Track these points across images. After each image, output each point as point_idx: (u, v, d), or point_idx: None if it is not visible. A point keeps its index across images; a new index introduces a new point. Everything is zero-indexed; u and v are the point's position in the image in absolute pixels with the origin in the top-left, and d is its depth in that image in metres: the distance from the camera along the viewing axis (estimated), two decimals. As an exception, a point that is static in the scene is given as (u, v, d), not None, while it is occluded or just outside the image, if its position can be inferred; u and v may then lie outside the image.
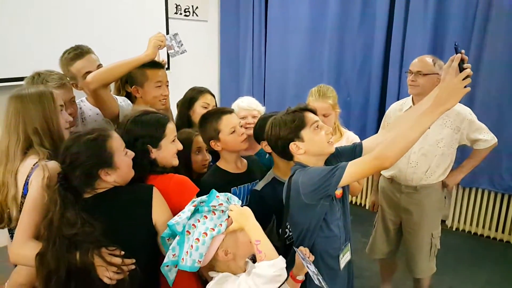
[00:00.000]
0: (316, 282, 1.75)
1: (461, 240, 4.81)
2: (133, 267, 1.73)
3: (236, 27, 6.35)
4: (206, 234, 1.64)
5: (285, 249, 2.17)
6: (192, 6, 6.00)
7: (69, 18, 4.41)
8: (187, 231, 1.66)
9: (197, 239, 1.63)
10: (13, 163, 1.93)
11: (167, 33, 5.39)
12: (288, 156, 2.10)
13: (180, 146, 2.16)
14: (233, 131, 2.42)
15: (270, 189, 2.37)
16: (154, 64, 2.73)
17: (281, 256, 1.63)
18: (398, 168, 3.12)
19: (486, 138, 2.94)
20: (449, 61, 1.81)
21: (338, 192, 2.04)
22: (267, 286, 1.57)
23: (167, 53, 2.84)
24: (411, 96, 3.09)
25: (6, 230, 2.06)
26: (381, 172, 3.32)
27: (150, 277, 1.89)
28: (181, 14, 5.86)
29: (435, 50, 4.42)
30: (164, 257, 1.78)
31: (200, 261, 1.63)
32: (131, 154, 1.91)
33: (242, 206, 1.76)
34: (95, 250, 1.68)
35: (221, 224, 1.68)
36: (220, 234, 1.67)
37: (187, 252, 1.63)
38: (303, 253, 1.84)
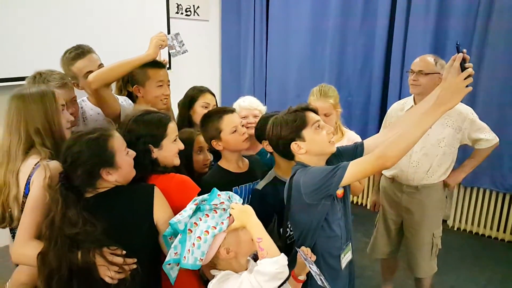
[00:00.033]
0: (319, 282, 1.75)
1: (463, 239, 4.80)
2: (134, 266, 1.73)
3: (237, 26, 6.35)
4: (208, 232, 1.64)
5: (286, 248, 2.17)
6: (193, 5, 6.00)
7: (71, 18, 4.40)
8: (189, 229, 1.67)
9: (199, 237, 1.64)
10: (15, 163, 1.93)
11: (168, 32, 5.39)
12: (289, 155, 2.09)
13: (181, 146, 2.16)
14: (235, 131, 2.42)
15: (271, 188, 2.37)
16: (155, 64, 2.73)
17: (283, 253, 1.63)
18: (400, 167, 3.11)
19: (488, 137, 2.94)
20: (450, 61, 1.81)
21: (339, 191, 2.04)
22: (270, 284, 1.57)
23: (169, 52, 2.84)
24: (412, 95, 3.09)
25: (7, 230, 2.06)
26: (383, 172, 3.32)
27: (152, 277, 1.89)
28: (182, 13, 5.86)
29: (437, 50, 4.42)
30: (165, 256, 1.78)
31: (202, 259, 1.64)
32: (133, 153, 1.91)
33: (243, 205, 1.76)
34: (97, 250, 1.68)
35: (222, 222, 1.68)
36: (221, 232, 1.67)
37: (189, 250, 1.64)
38: (305, 253, 1.84)
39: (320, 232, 2.03)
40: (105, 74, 2.52)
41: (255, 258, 1.70)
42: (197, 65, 5.81)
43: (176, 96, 2.99)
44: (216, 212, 1.71)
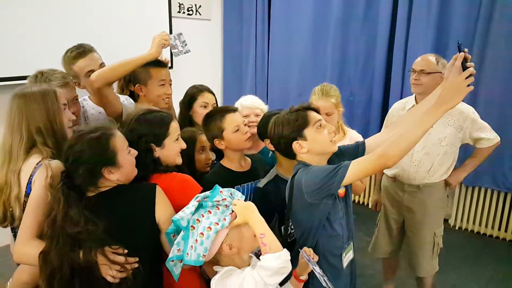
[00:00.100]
0: (323, 283, 1.75)
1: (464, 239, 4.80)
2: (136, 265, 1.74)
3: (239, 25, 6.36)
4: (210, 229, 1.65)
5: (287, 247, 2.17)
6: (195, 5, 6.01)
7: (72, 18, 4.41)
8: (192, 226, 1.67)
9: (202, 233, 1.64)
10: (16, 163, 1.93)
11: (170, 32, 5.40)
12: (291, 155, 2.09)
13: (183, 145, 2.16)
14: (237, 130, 2.42)
15: (272, 186, 2.37)
16: (157, 63, 2.73)
17: (285, 248, 1.64)
18: (401, 167, 3.11)
19: (489, 137, 2.94)
20: (452, 60, 1.81)
21: (341, 191, 2.04)
22: (272, 278, 1.58)
23: (171, 52, 2.84)
24: (414, 95, 3.08)
25: (9, 229, 2.07)
26: (384, 171, 3.32)
27: (153, 276, 1.90)
28: (184, 13, 5.87)
29: (438, 49, 4.41)
30: (167, 255, 1.79)
31: (204, 255, 1.65)
32: (134, 152, 1.92)
33: None
34: (99, 249, 1.68)
35: (225, 219, 1.69)
36: (224, 228, 1.68)
37: (191, 246, 1.64)
38: (307, 254, 1.84)
39: (321, 231, 2.03)
40: (107, 73, 2.53)
41: (258, 255, 1.70)
42: (199, 65, 5.82)
43: (178, 96, 2.99)
44: (219, 209, 1.72)
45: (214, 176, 2.43)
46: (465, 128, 2.93)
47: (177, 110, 3.08)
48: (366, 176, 2.05)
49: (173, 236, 1.77)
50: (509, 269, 4.19)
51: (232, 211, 1.72)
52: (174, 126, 2.13)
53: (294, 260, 1.81)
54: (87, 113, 2.78)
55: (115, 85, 2.79)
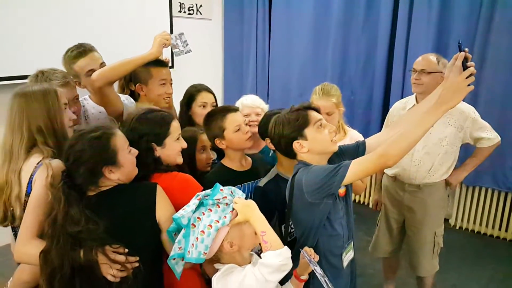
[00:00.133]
0: (324, 285, 1.75)
1: (465, 238, 4.80)
2: (136, 264, 1.74)
3: (240, 25, 6.36)
4: (211, 226, 1.66)
5: (287, 246, 2.17)
6: (196, 4, 6.01)
7: (73, 17, 4.41)
8: (192, 224, 1.68)
9: (202, 231, 1.65)
10: (17, 162, 1.93)
11: (171, 31, 5.41)
12: (291, 154, 2.09)
13: (184, 144, 2.16)
14: (238, 129, 2.42)
15: (273, 185, 2.37)
16: (158, 63, 2.74)
17: (286, 246, 1.65)
18: (402, 166, 3.11)
19: (490, 136, 2.94)
20: (452, 59, 1.81)
21: (341, 190, 2.04)
22: (273, 275, 1.59)
23: (171, 51, 2.84)
24: (414, 94, 3.08)
25: (9, 228, 2.07)
26: (385, 171, 3.32)
27: (154, 275, 1.90)
28: (185, 12, 5.87)
29: (439, 49, 4.41)
30: (167, 255, 1.79)
31: (205, 253, 1.65)
32: (135, 152, 1.92)
33: None
34: (99, 248, 1.68)
35: (225, 216, 1.70)
36: (225, 226, 1.69)
37: (192, 244, 1.65)
38: (308, 254, 1.85)
39: (322, 231, 2.03)
40: (108, 73, 2.53)
41: (259, 254, 1.71)
42: (199, 64, 5.81)
43: (178, 95, 2.99)
44: (219, 207, 1.73)
45: (215, 175, 2.43)
46: (465, 127, 2.93)
47: (177, 109, 3.08)
48: (366, 175, 2.05)
49: (174, 235, 1.77)
50: (510, 269, 4.19)
51: (233, 209, 1.73)
52: (175, 126, 2.13)
53: (295, 260, 1.82)
54: (87, 113, 2.78)
55: (115, 85, 2.79)
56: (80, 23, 4.42)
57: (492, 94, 4.27)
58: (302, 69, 5.69)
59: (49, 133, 1.95)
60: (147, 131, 2.04)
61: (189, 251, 1.65)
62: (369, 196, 5.58)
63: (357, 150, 2.15)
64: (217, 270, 1.73)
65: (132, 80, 2.85)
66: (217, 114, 2.49)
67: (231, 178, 2.41)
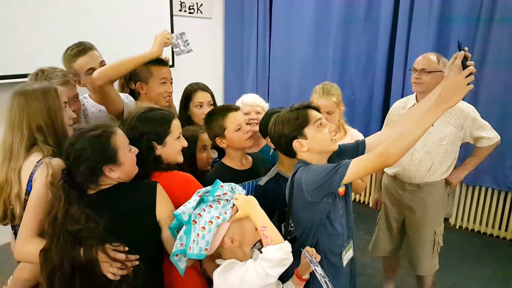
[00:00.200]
0: (324, 286, 1.76)
1: (464, 238, 4.80)
2: (136, 263, 1.74)
3: (241, 24, 6.36)
4: (212, 223, 1.67)
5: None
6: (197, 3, 6.01)
7: (73, 16, 4.42)
8: (193, 220, 1.70)
9: (203, 227, 1.66)
10: (17, 161, 1.93)
11: (172, 30, 5.41)
12: (291, 153, 2.10)
13: (185, 143, 2.17)
14: (239, 129, 2.42)
15: (273, 184, 2.38)
16: (158, 61, 2.74)
17: (286, 240, 1.65)
18: (402, 165, 3.12)
19: (489, 135, 2.94)
20: (452, 59, 1.81)
21: (341, 189, 2.04)
22: (274, 270, 1.60)
23: (172, 50, 2.85)
24: (414, 93, 3.09)
25: (9, 227, 2.07)
26: (385, 170, 3.32)
27: (154, 273, 1.90)
28: (185, 11, 5.87)
29: (440, 48, 4.41)
30: (168, 253, 1.80)
31: (206, 249, 1.66)
32: (135, 150, 1.92)
33: None
34: (99, 246, 1.69)
35: (226, 212, 1.71)
36: (225, 222, 1.70)
37: (193, 240, 1.66)
38: (309, 254, 1.85)
39: (322, 229, 2.03)
40: (109, 71, 2.53)
41: (259, 250, 1.72)
42: (200, 63, 5.82)
43: (179, 94, 2.99)
44: (220, 203, 1.74)
45: (215, 174, 2.43)
46: (465, 127, 2.93)
47: (178, 108, 3.08)
48: (366, 174, 2.05)
49: (177, 231, 1.78)
50: (510, 268, 4.19)
51: (233, 205, 1.74)
52: (176, 124, 2.13)
53: (295, 259, 1.82)
54: (87, 111, 2.78)
55: (116, 84, 2.79)
56: (80, 22, 4.42)
57: (492, 94, 4.27)
58: (303, 68, 5.69)
59: (49, 132, 1.95)
60: (147, 129, 2.04)
61: (190, 247, 1.67)
62: (369, 195, 5.57)
63: (357, 149, 2.15)
64: (217, 267, 1.74)
65: (132, 79, 2.85)
66: (218, 113, 2.49)
67: (232, 177, 2.40)
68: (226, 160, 2.52)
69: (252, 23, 6.21)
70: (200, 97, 2.93)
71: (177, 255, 1.75)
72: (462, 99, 1.82)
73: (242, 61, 6.48)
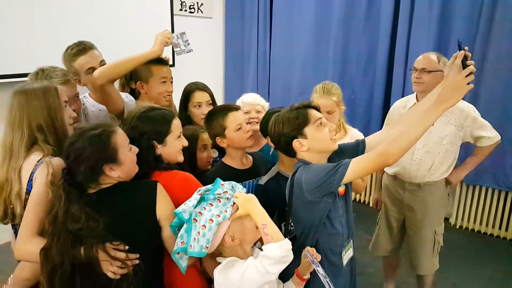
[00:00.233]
0: (326, 286, 1.76)
1: (465, 238, 4.80)
2: (137, 262, 1.74)
3: (241, 24, 6.36)
4: (212, 221, 1.68)
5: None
6: (197, 3, 6.01)
7: (74, 15, 4.42)
8: (194, 218, 1.71)
9: (204, 225, 1.67)
10: (17, 160, 1.93)
11: (172, 29, 5.41)
12: (291, 153, 2.10)
13: (185, 143, 2.17)
14: (239, 128, 2.43)
15: (274, 183, 2.38)
16: (159, 61, 2.74)
17: (287, 238, 1.66)
18: (402, 165, 3.12)
19: (490, 135, 2.94)
20: (452, 58, 1.81)
21: (341, 189, 2.05)
22: (275, 267, 1.60)
23: (173, 50, 2.85)
24: (415, 93, 3.08)
25: (9, 226, 2.07)
26: (385, 169, 3.32)
27: (154, 272, 1.90)
28: (186, 11, 5.88)
29: (440, 48, 4.41)
30: (168, 252, 1.80)
31: (207, 247, 1.68)
32: (135, 149, 1.92)
33: None
34: (100, 245, 1.69)
35: (226, 210, 1.72)
36: (226, 220, 1.71)
37: (194, 238, 1.68)
38: (310, 254, 1.85)
39: (321, 229, 2.03)
40: (110, 70, 2.53)
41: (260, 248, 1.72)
42: (200, 63, 5.82)
43: (179, 93, 3.00)
44: (220, 201, 1.74)
45: (215, 174, 2.42)
46: (466, 126, 2.93)
47: (178, 108, 3.08)
48: (366, 174, 2.05)
49: (178, 230, 1.78)
50: (510, 268, 4.19)
51: (234, 203, 1.75)
52: (176, 124, 2.13)
53: (295, 258, 1.82)
54: (87, 110, 2.78)
55: (116, 83, 2.79)
56: (81, 21, 4.42)
57: (492, 93, 4.27)
58: (303, 68, 5.69)
59: (49, 131, 1.95)
60: (148, 129, 2.04)
61: (191, 245, 1.68)
62: (369, 195, 5.57)
63: (357, 148, 2.15)
64: (217, 266, 1.74)
65: (132, 78, 2.85)
66: (218, 112, 2.49)
67: (232, 176, 2.39)
68: (226, 160, 2.53)
69: (252, 22, 6.21)
70: (198, 97, 2.94)
71: (178, 253, 1.76)
72: (463, 99, 1.83)
73: (242, 60, 6.48)
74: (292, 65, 5.82)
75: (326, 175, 1.87)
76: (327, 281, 1.76)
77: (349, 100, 5.20)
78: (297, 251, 1.90)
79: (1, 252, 3.67)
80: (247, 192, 2.41)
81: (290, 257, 1.64)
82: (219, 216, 1.69)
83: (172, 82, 2.86)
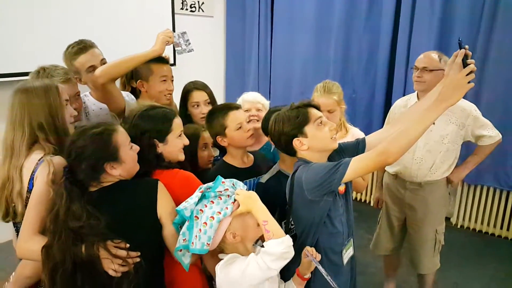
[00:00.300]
0: (331, 283, 1.76)
1: (466, 237, 4.80)
2: (138, 260, 1.74)
3: (242, 23, 6.36)
4: (213, 218, 1.69)
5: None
6: (198, 1, 6.02)
7: (75, 14, 4.42)
8: (195, 216, 1.72)
9: (205, 223, 1.69)
10: (18, 158, 1.93)
11: (174, 28, 5.42)
12: (291, 151, 2.10)
13: (186, 141, 2.17)
14: (240, 127, 2.43)
15: (275, 182, 2.38)
16: (159, 59, 2.74)
17: (287, 235, 1.67)
18: (403, 164, 3.12)
19: (491, 134, 2.94)
20: (452, 57, 1.82)
21: (341, 188, 2.05)
22: (276, 263, 1.61)
23: (173, 49, 2.85)
24: (416, 92, 3.08)
25: (11, 224, 2.07)
26: (386, 168, 3.32)
27: (155, 270, 1.90)
28: (187, 9, 5.88)
29: (441, 47, 4.38)
30: (169, 251, 1.81)
31: (209, 244, 1.69)
32: (136, 148, 1.92)
33: None
34: (101, 243, 1.69)
35: (227, 208, 1.73)
36: (227, 217, 1.72)
37: (196, 236, 1.69)
38: (310, 253, 1.85)
39: (322, 228, 2.03)
40: (111, 69, 2.54)
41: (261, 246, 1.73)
42: (201, 62, 5.82)
43: (180, 92, 3.00)
44: (221, 199, 1.76)
45: (216, 172, 2.40)
46: (467, 125, 2.93)
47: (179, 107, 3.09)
48: (366, 173, 2.05)
49: (180, 227, 1.79)
50: (511, 268, 4.18)
51: (235, 200, 1.75)
52: (177, 122, 2.13)
53: (295, 257, 1.83)
54: (88, 109, 2.79)
55: (117, 82, 2.80)
56: (81, 21, 4.42)
57: (494, 92, 4.24)
58: (304, 67, 5.69)
59: (50, 130, 1.96)
60: (149, 127, 2.04)
61: (193, 243, 1.69)
62: (370, 194, 5.54)
63: (357, 147, 2.15)
64: (219, 261, 1.75)
65: (133, 77, 2.86)
66: (219, 111, 2.50)
67: (233, 175, 2.39)
68: (227, 158, 2.53)
69: (253, 21, 6.21)
70: (196, 96, 2.94)
71: (180, 250, 1.76)
72: (464, 98, 1.83)
73: (243, 59, 6.48)
74: (293, 64, 5.82)
75: (326, 174, 1.87)
76: (329, 279, 1.76)
77: (350, 99, 5.19)
78: (298, 250, 1.91)
79: (3, 251, 3.67)
80: (249, 189, 2.43)
81: (291, 253, 1.65)
82: (220, 213, 1.70)
83: (172, 80, 2.86)
